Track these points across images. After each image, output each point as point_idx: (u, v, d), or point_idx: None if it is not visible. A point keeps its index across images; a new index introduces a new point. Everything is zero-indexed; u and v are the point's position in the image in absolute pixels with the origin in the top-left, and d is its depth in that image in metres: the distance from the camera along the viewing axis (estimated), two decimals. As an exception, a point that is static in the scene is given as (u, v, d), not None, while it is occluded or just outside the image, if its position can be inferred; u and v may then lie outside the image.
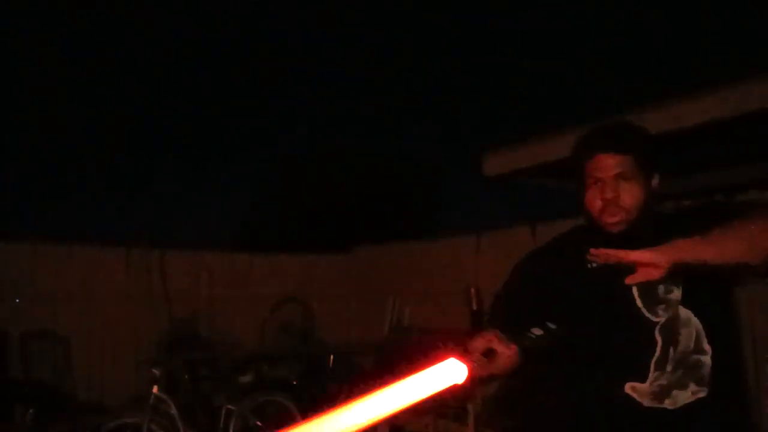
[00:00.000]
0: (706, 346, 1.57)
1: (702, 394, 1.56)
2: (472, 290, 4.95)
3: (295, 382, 5.74)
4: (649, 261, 1.42)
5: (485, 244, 5.68)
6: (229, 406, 5.01)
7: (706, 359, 1.57)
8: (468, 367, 1.42)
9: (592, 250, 1.47)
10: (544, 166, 5.82)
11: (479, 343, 1.49)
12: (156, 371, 4.65)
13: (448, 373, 1.39)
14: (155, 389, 4.60)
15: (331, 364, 5.96)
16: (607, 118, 5.14)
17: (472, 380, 1.41)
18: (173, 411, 4.62)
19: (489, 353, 1.50)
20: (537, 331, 1.54)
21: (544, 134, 5.65)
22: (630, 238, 1.57)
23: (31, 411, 4.93)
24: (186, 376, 5.18)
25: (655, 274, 1.43)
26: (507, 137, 6.17)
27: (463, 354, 1.44)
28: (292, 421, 5.22)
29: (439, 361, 1.40)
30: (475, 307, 4.94)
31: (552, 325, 1.56)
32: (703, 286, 1.56)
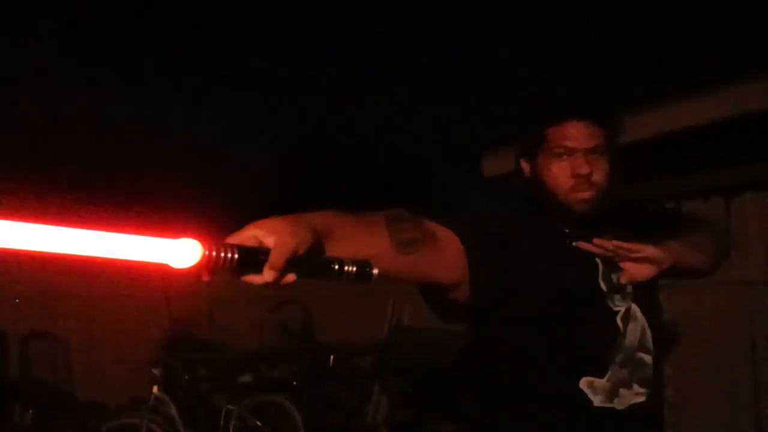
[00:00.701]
0: (650, 345, 1.44)
1: (642, 398, 1.42)
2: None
3: (294, 383, 5.74)
4: (661, 259, 1.33)
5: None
6: (229, 407, 5.01)
7: (649, 359, 1.43)
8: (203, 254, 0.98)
9: (596, 241, 1.33)
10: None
11: (245, 235, 1.02)
12: (155, 371, 4.65)
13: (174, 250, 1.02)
14: (155, 389, 4.60)
15: (330, 364, 5.96)
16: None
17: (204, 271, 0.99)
18: (173, 411, 4.62)
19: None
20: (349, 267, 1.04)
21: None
22: (594, 221, 1.44)
23: (30, 411, 4.93)
24: (185, 377, 5.18)
25: (649, 273, 1.35)
26: (506, 137, 6.15)
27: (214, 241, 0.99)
28: (293, 421, 5.24)
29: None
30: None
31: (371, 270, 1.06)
32: (648, 285, 1.44)
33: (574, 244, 1.42)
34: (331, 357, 5.97)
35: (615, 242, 1.33)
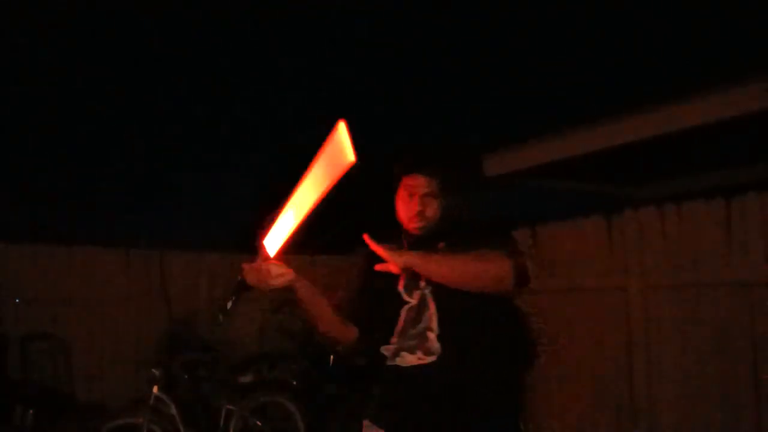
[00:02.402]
0: (435, 327, 2.02)
1: (425, 361, 2.01)
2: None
3: (295, 383, 5.73)
4: (388, 259, 1.93)
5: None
6: (229, 407, 5.01)
7: (433, 336, 2.02)
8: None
9: (364, 235, 1.95)
10: (543, 166, 5.83)
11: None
12: (156, 372, 4.65)
13: None
14: (155, 390, 4.59)
15: (330, 364, 5.96)
16: (601, 119, 5.16)
17: None
18: (173, 411, 4.61)
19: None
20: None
21: (544, 136, 5.65)
22: (427, 241, 2.07)
23: (30, 412, 4.92)
24: (186, 377, 5.17)
25: (393, 269, 1.95)
26: (507, 138, 6.16)
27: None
28: (293, 421, 5.24)
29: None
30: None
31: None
32: (449, 289, 1.96)
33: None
34: (331, 357, 5.97)
35: (381, 248, 1.93)
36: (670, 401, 4.13)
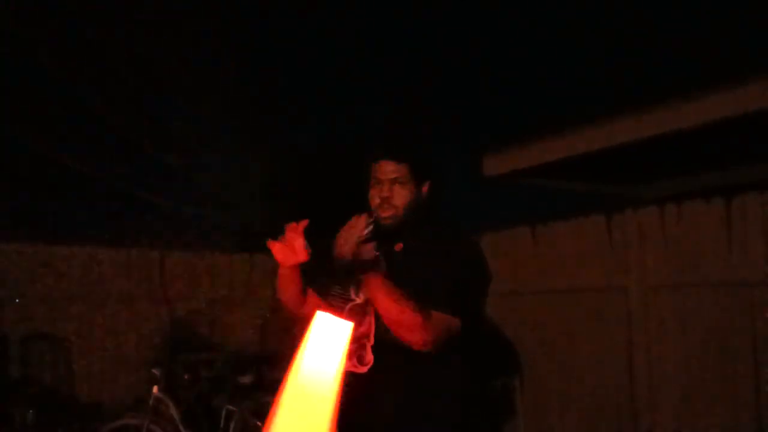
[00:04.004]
0: (371, 337, 1.95)
1: (358, 370, 1.93)
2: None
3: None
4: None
5: (485, 245, 5.67)
6: (230, 407, 5.01)
7: (368, 346, 1.95)
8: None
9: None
10: (543, 166, 5.83)
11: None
12: (156, 372, 4.65)
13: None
14: (155, 390, 4.59)
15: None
16: (601, 119, 5.15)
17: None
18: (173, 412, 4.61)
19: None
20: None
21: (544, 135, 5.65)
22: (397, 231, 1.99)
23: (31, 412, 4.93)
24: (186, 377, 5.18)
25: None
26: (507, 138, 6.17)
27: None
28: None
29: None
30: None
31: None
32: (410, 277, 1.86)
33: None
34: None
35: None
36: (670, 401, 4.13)
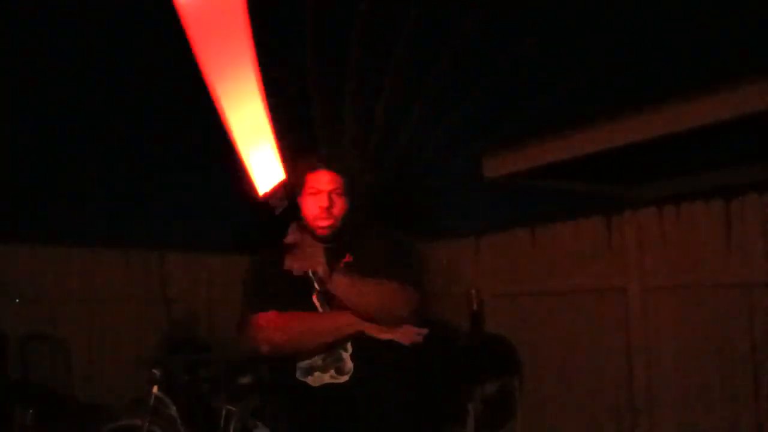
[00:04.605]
0: (348, 346, 2.00)
1: (338, 381, 1.98)
2: (473, 291, 4.96)
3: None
4: (317, 263, 1.94)
5: (485, 246, 5.69)
6: (229, 407, 5.00)
7: (346, 355, 2.00)
8: None
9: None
10: (543, 168, 5.83)
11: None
12: (156, 372, 4.65)
13: None
14: (155, 390, 4.59)
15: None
16: (601, 119, 5.15)
17: None
18: (173, 412, 4.61)
19: None
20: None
21: (544, 136, 5.65)
22: (333, 239, 2.04)
23: (30, 413, 4.93)
24: (186, 377, 5.17)
25: (319, 269, 1.93)
26: (507, 139, 6.17)
27: None
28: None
29: None
30: (475, 308, 4.94)
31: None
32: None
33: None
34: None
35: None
36: (669, 401, 4.13)
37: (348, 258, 2.05)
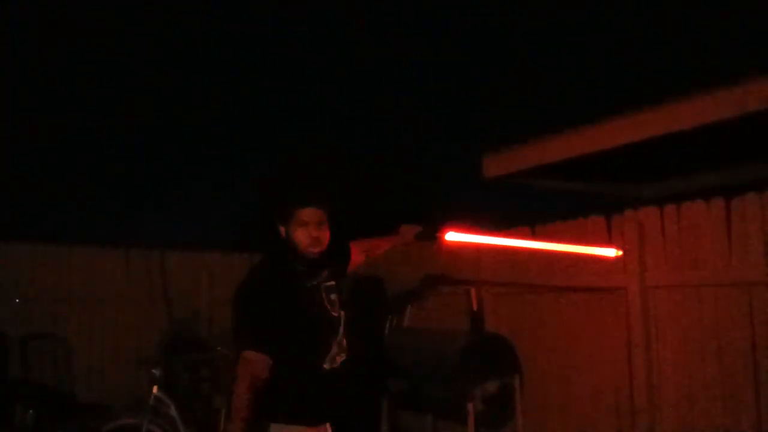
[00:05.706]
0: (342, 332, 2.69)
1: (343, 359, 2.67)
2: (473, 291, 4.96)
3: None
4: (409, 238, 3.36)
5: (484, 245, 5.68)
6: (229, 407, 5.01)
7: (345, 341, 2.69)
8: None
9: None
10: (543, 167, 5.83)
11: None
12: (156, 372, 4.65)
13: None
14: (155, 390, 4.60)
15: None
16: (601, 119, 5.15)
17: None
18: (173, 412, 4.62)
19: None
20: None
21: (544, 136, 5.65)
22: (320, 261, 2.65)
23: (30, 412, 4.93)
24: (186, 377, 5.18)
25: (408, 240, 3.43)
26: (507, 139, 6.17)
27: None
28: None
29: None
30: (475, 308, 4.94)
31: None
32: (354, 299, 2.64)
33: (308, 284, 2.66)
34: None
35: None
36: (670, 401, 4.13)
37: (325, 273, 2.72)
